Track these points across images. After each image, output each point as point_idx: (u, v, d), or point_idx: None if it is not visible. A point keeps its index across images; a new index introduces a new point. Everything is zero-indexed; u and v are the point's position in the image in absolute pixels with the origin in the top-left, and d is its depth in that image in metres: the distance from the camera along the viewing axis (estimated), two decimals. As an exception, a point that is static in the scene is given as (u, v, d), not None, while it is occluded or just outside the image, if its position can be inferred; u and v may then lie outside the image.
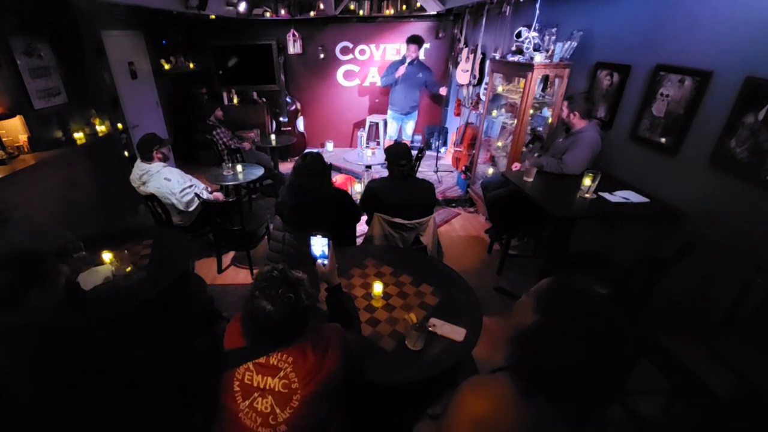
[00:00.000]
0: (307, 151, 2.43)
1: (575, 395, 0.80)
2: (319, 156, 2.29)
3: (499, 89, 3.72)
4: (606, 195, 2.32)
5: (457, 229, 3.94)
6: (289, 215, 2.33)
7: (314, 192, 2.22)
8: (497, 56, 3.73)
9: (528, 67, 3.03)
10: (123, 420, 1.23)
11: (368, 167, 4.03)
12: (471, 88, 4.83)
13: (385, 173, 2.52)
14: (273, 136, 4.82)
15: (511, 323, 0.96)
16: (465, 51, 4.79)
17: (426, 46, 5.60)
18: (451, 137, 5.77)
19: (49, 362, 1.11)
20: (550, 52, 3.00)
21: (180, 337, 2.10)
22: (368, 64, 5.90)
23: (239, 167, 3.57)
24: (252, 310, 1.05)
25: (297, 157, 2.36)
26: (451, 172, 5.22)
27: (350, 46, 5.79)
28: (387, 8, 5.31)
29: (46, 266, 1.30)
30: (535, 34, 3.11)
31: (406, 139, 5.26)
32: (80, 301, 1.69)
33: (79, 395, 1.14)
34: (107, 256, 2.00)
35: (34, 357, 1.10)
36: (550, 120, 3.31)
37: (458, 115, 5.35)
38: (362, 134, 4.89)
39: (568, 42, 2.93)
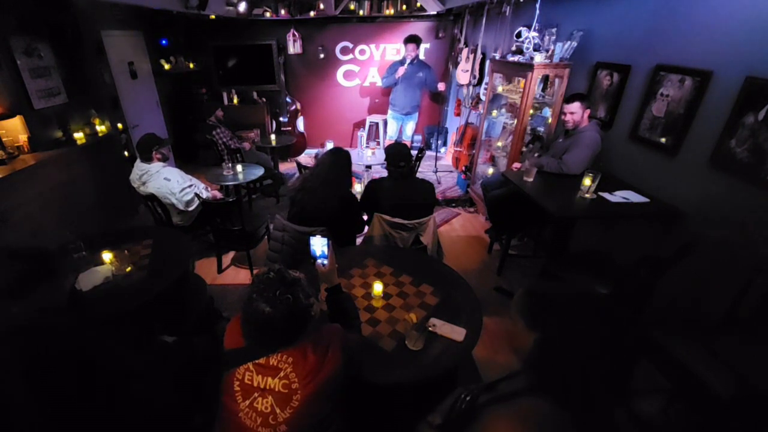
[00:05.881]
0: (335, 147, 2.36)
1: (601, 396, 0.81)
2: (347, 162, 2.28)
3: (499, 89, 3.72)
4: (606, 195, 2.32)
5: (457, 229, 3.94)
6: (295, 209, 2.32)
7: (327, 198, 2.22)
8: (497, 56, 3.74)
9: (528, 67, 3.03)
10: (123, 420, 1.23)
11: (368, 167, 4.04)
12: (471, 88, 4.83)
13: (385, 173, 2.52)
14: (273, 136, 4.83)
15: (514, 346, 0.96)
16: (465, 51, 4.79)
17: (426, 45, 5.60)
18: (451, 137, 5.77)
19: (45, 363, 1.11)
20: (550, 52, 3.00)
21: (180, 337, 2.10)
22: (368, 64, 5.90)
23: (239, 167, 3.58)
24: (251, 313, 1.05)
25: (318, 152, 2.34)
26: (451, 172, 5.22)
27: (350, 46, 5.79)
28: (387, 8, 5.31)
29: (56, 264, 1.34)
30: (535, 34, 3.11)
31: (406, 139, 5.25)
32: (79, 304, 1.69)
33: (75, 396, 1.14)
34: (107, 256, 2.01)
35: (29, 358, 1.09)
36: (550, 120, 3.31)
37: (458, 115, 5.35)
38: (362, 134, 4.88)
39: (568, 42, 2.93)
